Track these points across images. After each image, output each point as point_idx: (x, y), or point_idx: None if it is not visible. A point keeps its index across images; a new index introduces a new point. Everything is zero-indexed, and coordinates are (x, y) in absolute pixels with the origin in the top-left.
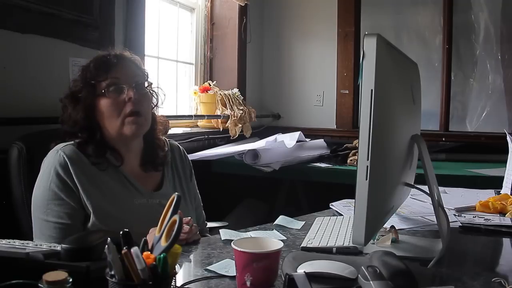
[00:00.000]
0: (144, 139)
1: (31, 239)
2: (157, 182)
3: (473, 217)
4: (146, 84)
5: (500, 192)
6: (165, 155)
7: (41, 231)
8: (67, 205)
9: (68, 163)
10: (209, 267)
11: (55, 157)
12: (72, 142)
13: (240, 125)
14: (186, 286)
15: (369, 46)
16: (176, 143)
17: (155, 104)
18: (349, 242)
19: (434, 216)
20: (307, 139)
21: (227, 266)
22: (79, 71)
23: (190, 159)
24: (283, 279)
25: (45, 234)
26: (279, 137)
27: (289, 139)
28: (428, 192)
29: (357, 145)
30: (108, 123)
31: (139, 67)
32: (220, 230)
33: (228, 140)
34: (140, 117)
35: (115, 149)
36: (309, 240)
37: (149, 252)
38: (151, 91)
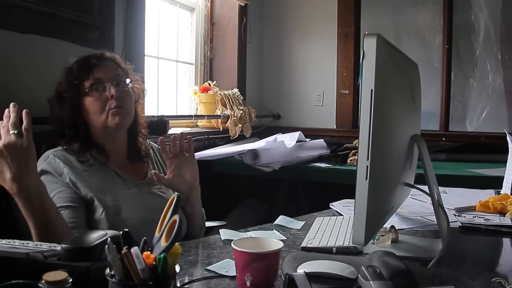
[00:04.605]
0: (128, 133)
1: (31, 239)
2: (144, 173)
3: (473, 217)
4: (128, 81)
5: (500, 192)
6: (147, 147)
7: None
8: (67, 191)
9: (60, 162)
10: (209, 267)
11: (46, 160)
12: (60, 147)
13: (240, 125)
14: (186, 286)
15: (369, 46)
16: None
17: (137, 99)
18: (349, 242)
19: (434, 216)
20: (307, 139)
21: (227, 266)
22: (63, 73)
23: None
24: (283, 279)
25: None
26: (279, 137)
27: (289, 139)
28: (428, 192)
29: (357, 145)
30: (93, 119)
31: (119, 65)
32: (220, 230)
33: (228, 140)
34: (123, 109)
35: (100, 147)
36: (309, 240)
37: (149, 252)
38: (133, 88)
